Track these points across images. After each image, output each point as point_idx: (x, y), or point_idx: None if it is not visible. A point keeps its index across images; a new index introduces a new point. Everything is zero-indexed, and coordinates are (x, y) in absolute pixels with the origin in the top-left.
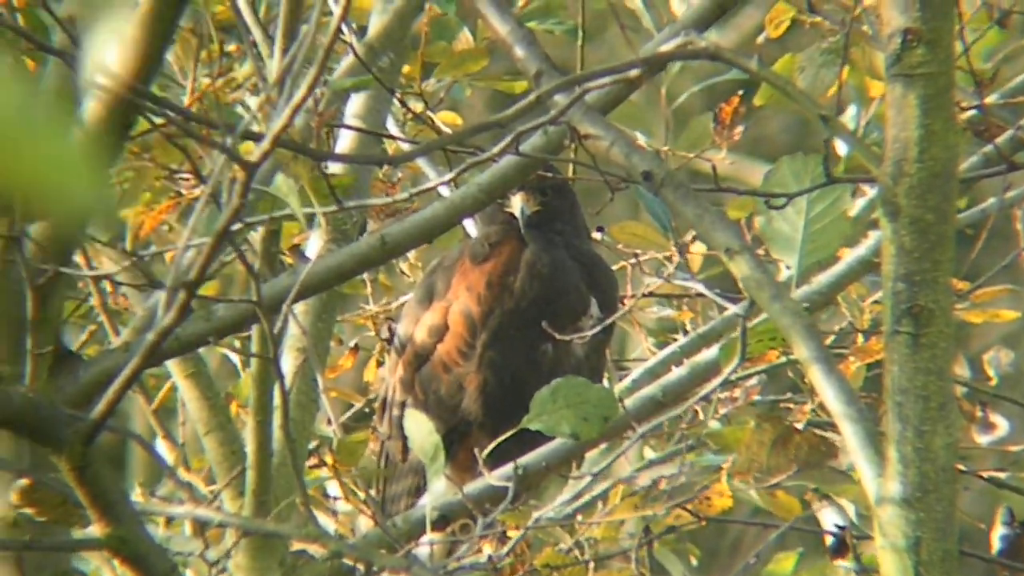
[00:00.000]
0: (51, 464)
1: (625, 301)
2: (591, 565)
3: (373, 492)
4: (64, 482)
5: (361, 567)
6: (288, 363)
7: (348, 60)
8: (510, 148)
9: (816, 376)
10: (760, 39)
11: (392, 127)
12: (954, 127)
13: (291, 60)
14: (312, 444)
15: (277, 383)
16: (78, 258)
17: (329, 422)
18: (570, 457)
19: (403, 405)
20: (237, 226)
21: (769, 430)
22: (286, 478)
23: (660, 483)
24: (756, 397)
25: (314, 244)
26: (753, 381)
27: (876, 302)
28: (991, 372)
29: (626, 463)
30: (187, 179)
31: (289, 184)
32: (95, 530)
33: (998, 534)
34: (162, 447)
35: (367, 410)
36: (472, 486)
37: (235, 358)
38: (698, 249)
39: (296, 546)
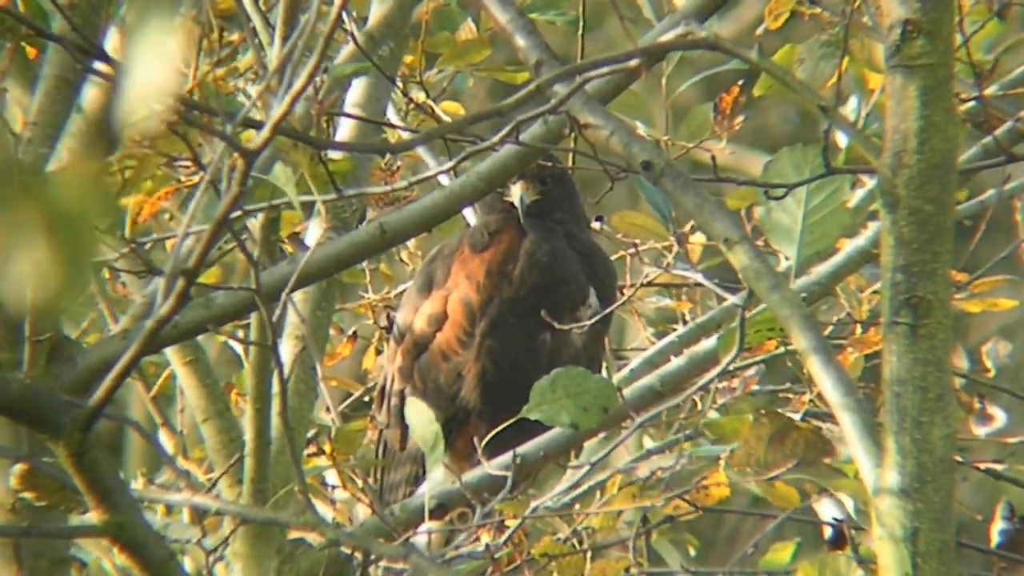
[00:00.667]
0: (49, 450)
1: (624, 291)
2: (588, 555)
3: (371, 480)
4: (62, 468)
5: (359, 555)
6: (287, 351)
7: (348, 49)
8: (510, 137)
9: (814, 366)
10: (759, 31)
11: (393, 116)
12: (953, 118)
13: (291, 48)
14: (310, 432)
15: (276, 371)
16: None
17: (328, 410)
18: (569, 446)
19: (402, 394)
20: (236, 214)
21: (767, 424)
22: (284, 466)
23: (658, 473)
24: (755, 387)
25: (313, 232)
26: (752, 371)
27: (875, 293)
28: (989, 364)
29: (625, 452)
30: (187, 167)
31: (288, 173)
32: (93, 517)
33: (997, 528)
34: (161, 435)
35: (366, 399)
36: (470, 475)
37: (237, 347)
38: (697, 239)
39: (294, 534)
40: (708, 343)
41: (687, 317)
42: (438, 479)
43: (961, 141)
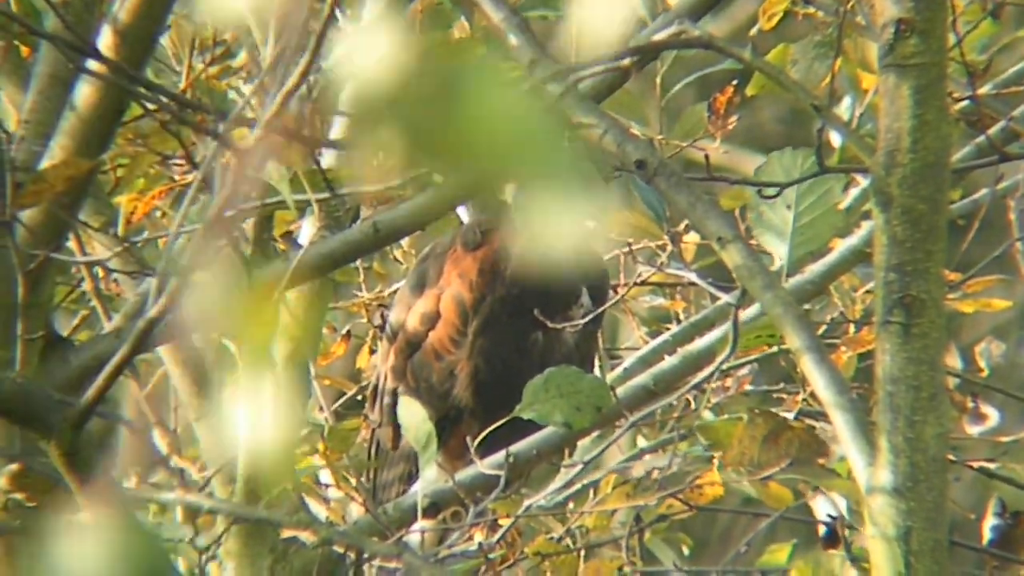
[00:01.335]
0: (41, 449)
1: (618, 290)
2: (582, 553)
3: (364, 479)
4: (54, 467)
5: (352, 554)
6: (280, 350)
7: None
8: None
9: (807, 365)
10: (753, 31)
11: None
12: (947, 117)
13: (284, 47)
14: (304, 431)
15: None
16: (71, 243)
17: (321, 409)
18: (562, 445)
19: (394, 393)
20: (229, 213)
21: (761, 425)
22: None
23: (654, 474)
24: (748, 387)
25: (307, 231)
26: (745, 371)
27: (868, 292)
28: (982, 363)
29: (618, 452)
30: (181, 165)
31: (281, 171)
32: (85, 516)
33: (989, 525)
34: (154, 433)
35: (359, 398)
36: (463, 474)
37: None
38: (691, 238)
39: (287, 533)
40: (702, 342)
41: (681, 316)
42: (431, 478)
43: (954, 140)
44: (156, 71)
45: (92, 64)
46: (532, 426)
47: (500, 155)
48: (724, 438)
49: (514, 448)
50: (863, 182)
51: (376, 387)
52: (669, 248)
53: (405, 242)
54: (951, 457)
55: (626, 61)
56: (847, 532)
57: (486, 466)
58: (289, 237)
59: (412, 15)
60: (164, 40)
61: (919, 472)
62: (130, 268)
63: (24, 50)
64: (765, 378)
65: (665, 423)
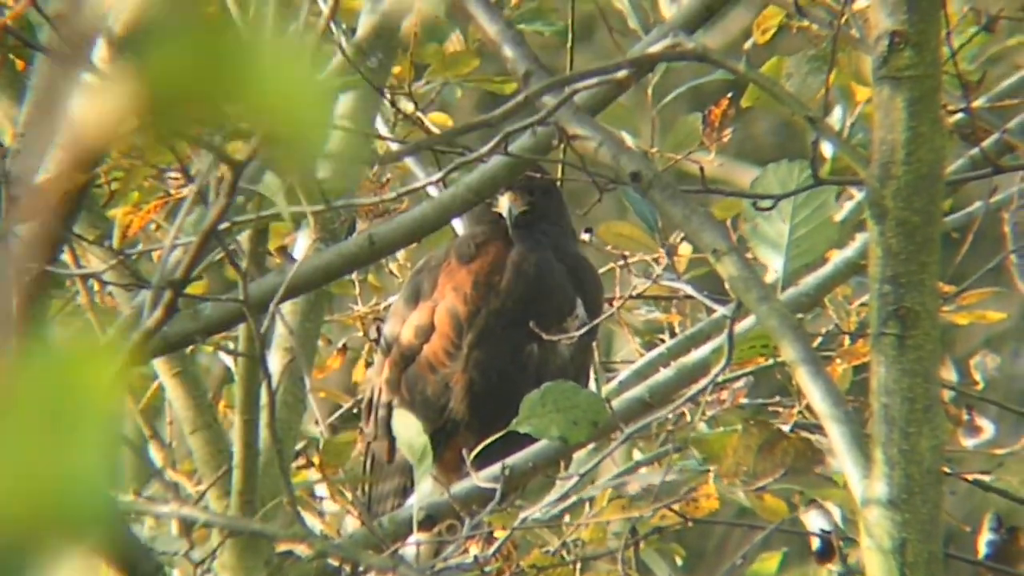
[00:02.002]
0: None
1: (613, 302)
2: (577, 566)
3: (359, 492)
4: None
5: (347, 567)
6: (275, 363)
7: (336, 60)
8: (499, 148)
9: (803, 378)
10: (747, 45)
11: (381, 128)
12: (941, 130)
13: None
14: (299, 444)
15: (264, 383)
16: (65, 256)
17: (316, 422)
18: (558, 458)
19: (389, 406)
20: (224, 225)
21: (756, 434)
22: (272, 478)
23: (650, 487)
24: (743, 400)
25: (302, 243)
26: (740, 383)
27: (863, 304)
28: (977, 376)
29: (613, 464)
30: (176, 178)
31: (277, 183)
32: None
33: (985, 539)
34: (149, 446)
35: (355, 411)
36: (459, 487)
37: (228, 359)
38: (684, 250)
39: (282, 546)
40: (697, 355)
41: (676, 329)
42: (426, 491)
43: (948, 152)
44: None
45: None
46: (528, 439)
47: (261, 115)
48: (719, 450)
49: (510, 461)
50: (857, 194)
51: (371, 400)
52: (664, 261)
53: (401, 255)
54: (946, 469)
55: (622, 73)
56: (842, 544)
57: (482, 479)
58: (284, 250)
59: (408, 28)
60: None
61: (914, 484)
62: (125, 281)
63: (19, 63)
64: (760, 391)
65: (660, 435)
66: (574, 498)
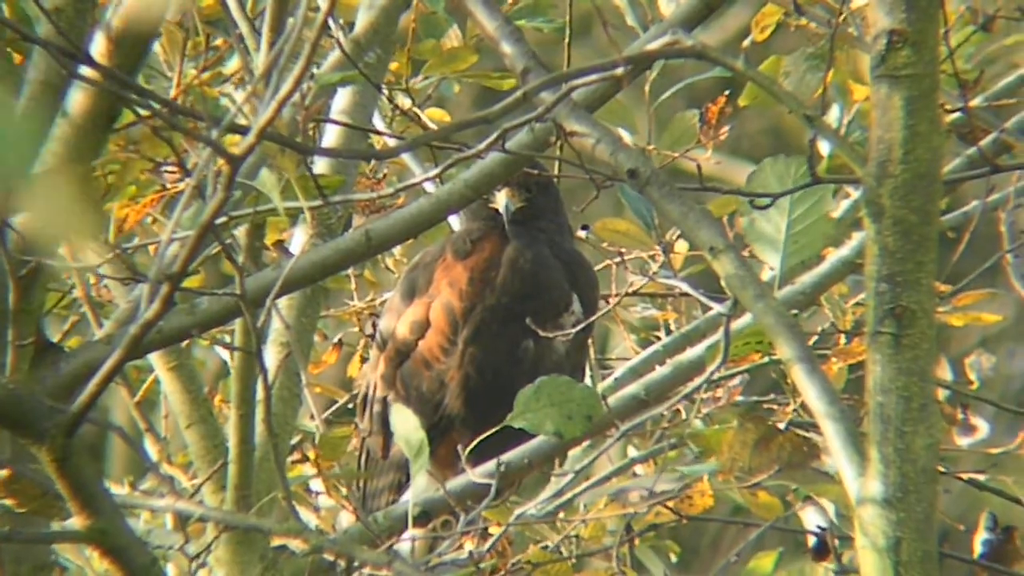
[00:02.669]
0: (32, 455)
1: (609, 299)
2: (572, 562)
3: (354, 488)
4: (45, 474)
5: (342, 562)
6: (271, 357)
7: (335, 56)
8: (496, 145)
9: (799, 376)
10: (746, 43)
11: (379, 123)
12: (938, 129)
13: (277, 54)
14: (295, 439)
15: (260, 377)
16: (62, 250)
17: (312, 417)
18: (553, 455)
19: (384, 401)
20: (221, 220)
21: (752, 430)
22: (268, 472)
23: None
24: (739, 397)
25: (299, 238)
26: (736, 381)
27: (859, 303)
28: (972, 375)
29: (608, 461)
30: (172, 172)
31: (273, 179)
32: (75, 522)
33: (980, 539)
34: (145, 440)
35: (350, 406)
36: (454, 482)
37: (224, 354)
38: (681, 247)
39: (277, 540)
40: (693, 352)
41: (672, 326)
42: (422, 486)
43: (945, 152)
44: (148, 77)
45: (84, 70)
46: (523, 435)
47: None
48: (714, 446)
49: (505, 457)
50: (854, 193)
51: (366, 395)
52: (660, 258)
53: (397, 250)
54: (941, 468)
55: (619, 70)
56: (837, 542)
57: (477, 475)
58: (281, 245)
59: (406, 23)
60: (156, 46)
61: (909, 483)
62: (121, 274)
63: (16, 56)
64: (756, 389)
65: (655, 432)
66: (570, 495)
